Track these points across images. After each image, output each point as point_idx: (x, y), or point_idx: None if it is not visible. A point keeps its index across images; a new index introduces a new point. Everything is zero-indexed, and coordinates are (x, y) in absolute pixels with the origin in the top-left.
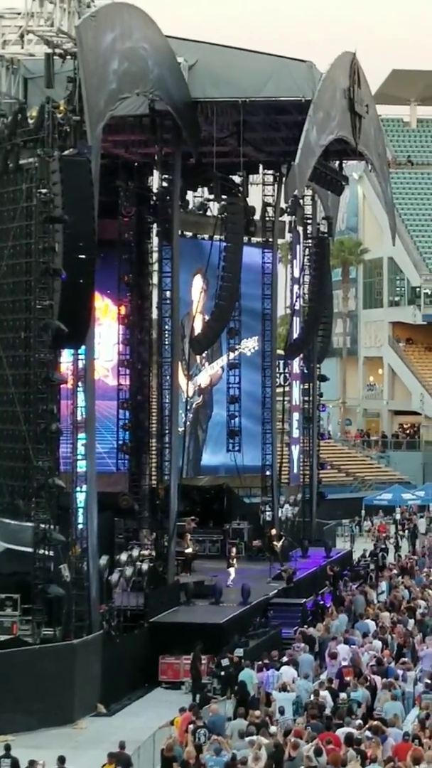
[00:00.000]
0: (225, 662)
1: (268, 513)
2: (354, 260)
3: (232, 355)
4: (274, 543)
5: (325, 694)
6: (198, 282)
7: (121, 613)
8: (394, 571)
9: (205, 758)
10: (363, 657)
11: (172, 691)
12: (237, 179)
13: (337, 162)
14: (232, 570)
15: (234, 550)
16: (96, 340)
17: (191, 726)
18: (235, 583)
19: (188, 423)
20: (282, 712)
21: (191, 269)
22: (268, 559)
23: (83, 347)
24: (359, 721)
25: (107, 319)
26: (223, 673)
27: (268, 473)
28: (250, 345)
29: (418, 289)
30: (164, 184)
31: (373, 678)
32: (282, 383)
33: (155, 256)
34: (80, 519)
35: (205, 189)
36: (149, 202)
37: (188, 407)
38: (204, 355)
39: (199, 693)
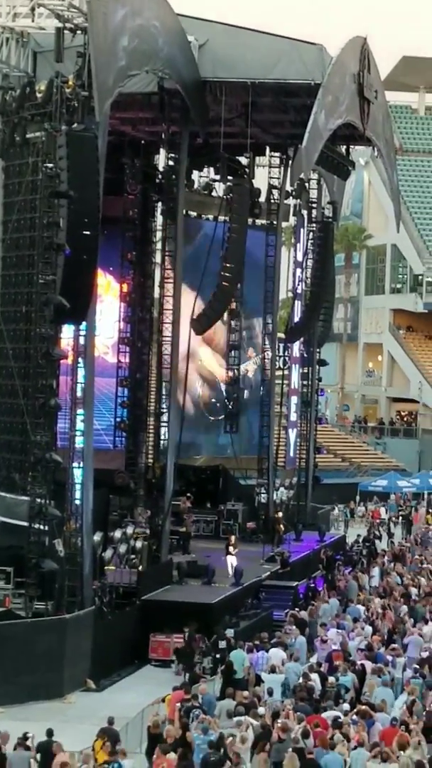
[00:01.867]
0: (222, 644)
1: (263, 495)
2: (357, 246)
3: (233, 337)
4: (279, 526)
5: (314, 677)
6: None
7: (114, 590)
8: (387, 558)
9: (193, 737)
10: (353, 642)
11: (161, 669)
12: (243, 160)
13: (344, 147)
14: (231, 560)
15: (233, 537)
16: (97, 316)
17: (180, 705)
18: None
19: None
20: (271, 693)
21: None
22: (261, 541)
23: (84, 323)
24: (347, 706)
25: (109, 296)
26: (218, 655)
27: (264, 456)
28: (250, 368)
29: (420, 277)
30: (170, 162)
31: (362, 663)
32: (281, 366)
33: (159, 234)
34: (76, 495)
35: (211, 169)
36: (155, 181)
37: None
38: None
39: (190, 672)
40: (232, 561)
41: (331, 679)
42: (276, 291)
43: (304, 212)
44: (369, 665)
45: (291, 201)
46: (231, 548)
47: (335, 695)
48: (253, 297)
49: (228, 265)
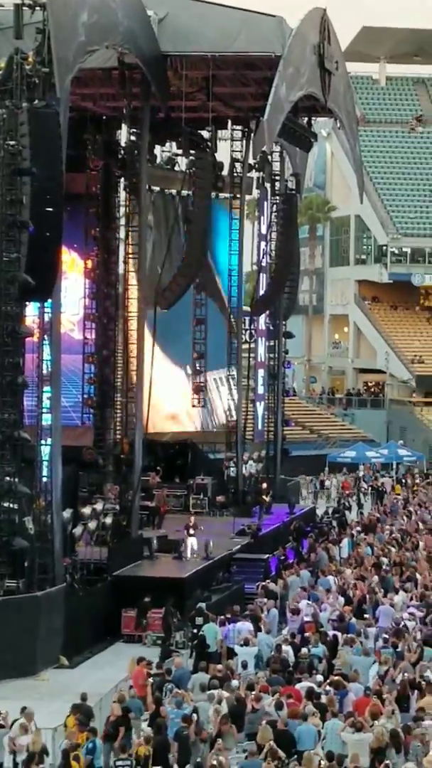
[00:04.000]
0: (199, 620)
1: (232, 469)
2: (321, 218)
3: (198, 311)
4: (263, 497)
5: (287, 648)
6: None
7: (85, 567)
8: (357, 528)
9: (167, 710)
10: (324, 613)
11: (133, 644)
12: (205, 134)
13: (306, 118)
14: (191, 541)
15: (192, 518)
16: (62, 293)
17: (151, 679)
18: (199, 539)
19: None
20: (245, 666)
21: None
22: (231, 514)
23: (49, 300)
24: (320, 677)
25: (73, 272)
26: (195, 630)
27: (232, 429)
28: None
29: (384, 248)
30: (132, 138)
31: (334, 634)
32: (247, 339)
33: (122, 210)
34: (44, 472)
35: (174, 144)
36: (117, 156)
37: None
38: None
39: (162, 647)
40: (192, 542)
41: (304, 650)
42: (240, 264)
43: (267, 185)
44: (340, 636)
45: (254, 174)
46: (191, 529)
47: (308, 666)
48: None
49: (192, 238)
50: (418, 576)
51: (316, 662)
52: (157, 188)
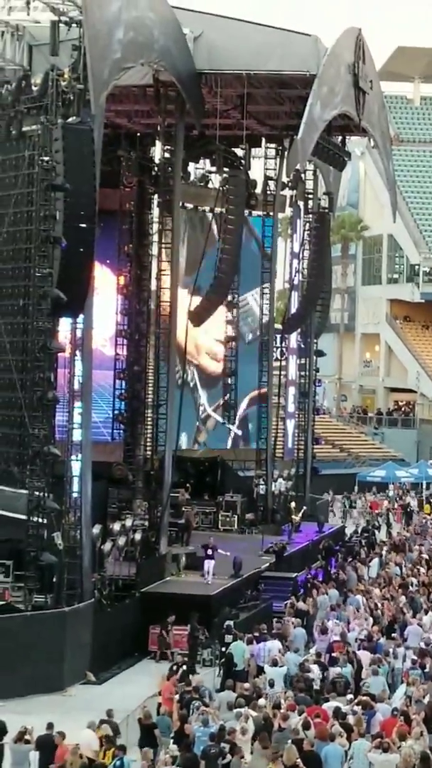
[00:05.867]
0: (228, 638)
1: (261, 486)
2: (354, 236)
3: (229, 329)
4: (294, 517)
5: (313, 668)
6: None
7: (113, 583)
8: (386, 548)
9: (193, 728)
10: (352, 632)
11: (161, 661)
12: (239, 152)
13: (340, 137)
14: (209, 564)
15: (212, 539)
16: (94, 309)
17: (180, 696)
18: (228, 556)
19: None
20: (272, 685)
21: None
22: (260, 532)
23: (81, 316)
24: (350, 696)
25: (106, 288)
26: (224, 648)
27: (262, 447)
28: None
29: (417, 267)
30: (166, 155)
31: (360, 653)
32: (279, 357)
33: (155, 227)
34: (74, 487)
35: (207, 161)
36: (151, 173)
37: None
38: None
39: (188, 664)
40: (209, 566)
41: (336, 670)
42: (273, 281)
43: (301, 203)
44: (368, 655)
45: (287, 192)
46: (209, 551)
47: (344, 686)
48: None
49: (225, 256)
50: None
51: (344, 682)
52: (190, 205)
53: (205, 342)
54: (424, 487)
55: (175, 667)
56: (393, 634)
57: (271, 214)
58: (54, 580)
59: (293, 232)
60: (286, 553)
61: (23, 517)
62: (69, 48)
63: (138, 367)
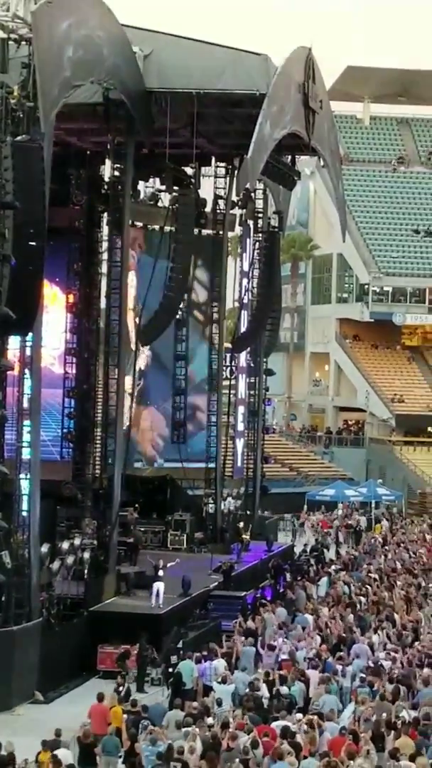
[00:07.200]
0: (174, 659)
1: (210, 505)
2: (304, 255)
3: (179, 347)
4: (243, 536)
5: (262, 686)
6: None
7: (61, 602)
8: (335, 567)
9: (141, 748)
10: (301, 651)
11: (109, 680)
12: (189, 171)
13: (290, 157)
14: (158, 586)
15: (161, 561)
16: (43, 327)
17: (126, 716)
18: (175, 573)
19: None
20: (219, 703)
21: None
22: (209, 551)
23: (31, 334)
24: (299, 715)
25: (55, 307)
26: (170, 669)
27: (212, 465)
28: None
29: (366, 287)
30: (116, 173)
31: (308, 672)
32: (228, 376)
33: (105, 245)
34: (23, 506)
35: (157, 179)
36: (100, 191)
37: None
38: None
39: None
40: (158, 587)
41: (284, 688)
42: (222, 300)
43: (250, 222)
44: (316, 674)
45: (237, 211)
46: (161, 572)
47: (288, 705)
48: None
49: (174, 275)
50: (396, 616)
51: (293, 701)
52: (140, 224)
53: None
54: (373, 506)
55: (120, 688)
56: (340, 653)
57: (221, 233)
58: (2, 598)
59: (243, 251)
60: (235, 572)
61: None
62: (18, 66)
63: (87, 385)
